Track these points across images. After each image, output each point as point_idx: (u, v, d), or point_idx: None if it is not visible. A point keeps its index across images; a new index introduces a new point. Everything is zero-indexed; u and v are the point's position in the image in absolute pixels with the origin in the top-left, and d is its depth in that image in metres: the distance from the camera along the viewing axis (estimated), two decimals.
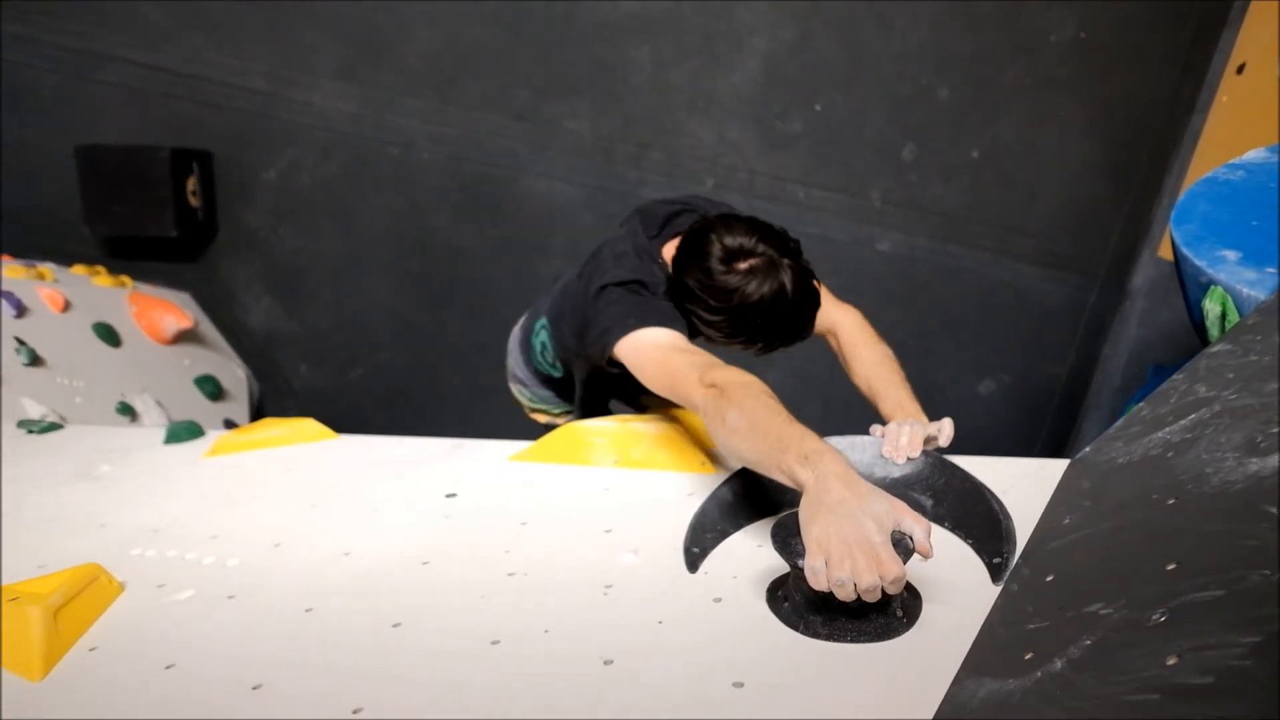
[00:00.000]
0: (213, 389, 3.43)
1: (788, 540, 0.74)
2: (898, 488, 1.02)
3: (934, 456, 1.06)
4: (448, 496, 1.29)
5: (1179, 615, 0.55)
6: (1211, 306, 1.43)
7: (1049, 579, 0.77)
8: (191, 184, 3.61)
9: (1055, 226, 4.12)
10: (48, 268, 3.04)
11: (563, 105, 3.92)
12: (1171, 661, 0.50)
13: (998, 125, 4.00)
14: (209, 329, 3.91)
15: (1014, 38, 3.89)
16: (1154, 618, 0.57)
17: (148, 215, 3.42)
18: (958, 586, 0.85)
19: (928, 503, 0.98)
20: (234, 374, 3.77)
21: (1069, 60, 3.91)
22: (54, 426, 2.00)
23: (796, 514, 0.78)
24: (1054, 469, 1.10)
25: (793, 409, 0.97)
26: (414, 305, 4.17)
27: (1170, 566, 0.62)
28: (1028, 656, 0.65)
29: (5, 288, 2.58)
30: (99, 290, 3.17)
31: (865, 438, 1.14)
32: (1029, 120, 3.99)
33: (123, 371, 2.93)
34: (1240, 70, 3.75)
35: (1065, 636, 0.64)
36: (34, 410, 2.30)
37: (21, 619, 0.89)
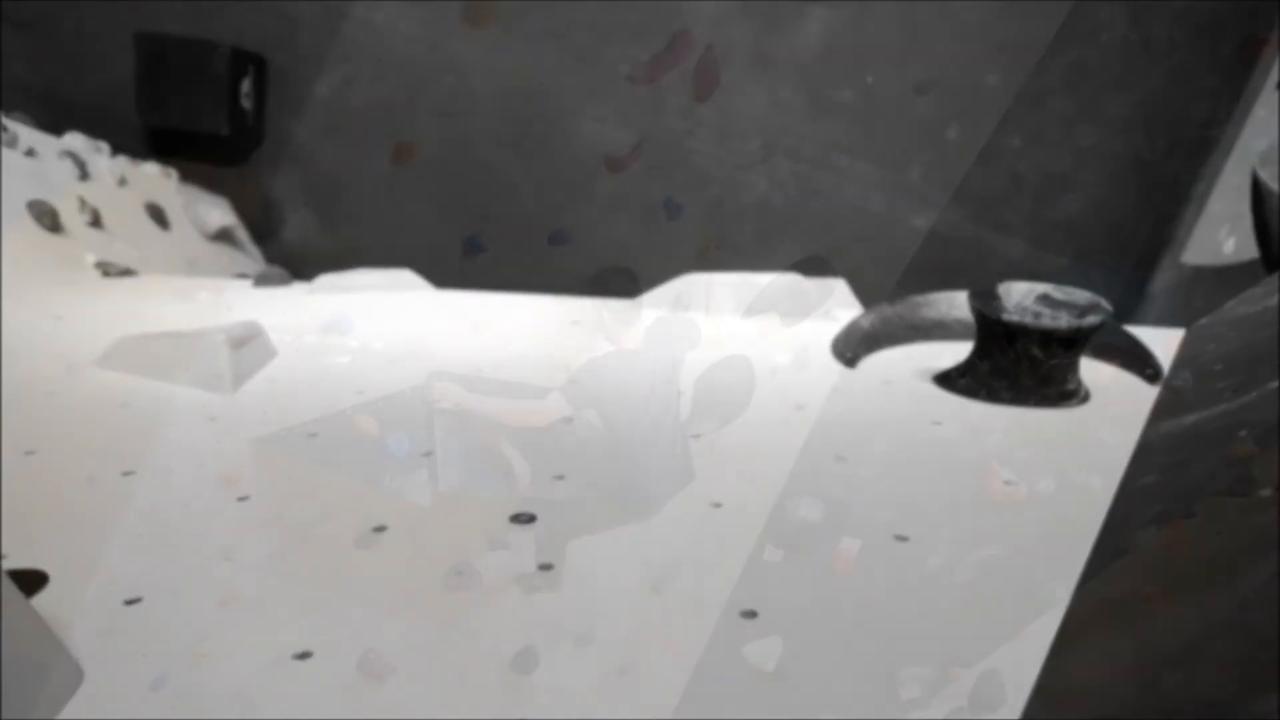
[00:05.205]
0: None
1: (988, 300, 0.79)
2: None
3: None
4: None
5: None
6: None
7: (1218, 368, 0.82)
8: (245, 86, 3.60)
9: (1085, 221, 4.20)
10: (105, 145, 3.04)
11: (621, 50, 3.94)
12: None
13: (1041, 116, 4.07)
14: (242, 235, 3.90)
15: (1067, 31, 3.96)
16: None
17: (203, 109, 3.41)
18: (1118, 387, 0.90)
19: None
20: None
21: (1116, 60, 3.99)
22: (130, 272, 2.01)
23: (991, 287, 0.82)
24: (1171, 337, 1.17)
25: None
26: (451, 234, 4.18)
27: None
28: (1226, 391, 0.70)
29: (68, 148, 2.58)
30: (149, 174, 3.16)
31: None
32: (1071, 114, 4.07)
33: (171, 253, 2.93)
34: None
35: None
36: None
37: None
